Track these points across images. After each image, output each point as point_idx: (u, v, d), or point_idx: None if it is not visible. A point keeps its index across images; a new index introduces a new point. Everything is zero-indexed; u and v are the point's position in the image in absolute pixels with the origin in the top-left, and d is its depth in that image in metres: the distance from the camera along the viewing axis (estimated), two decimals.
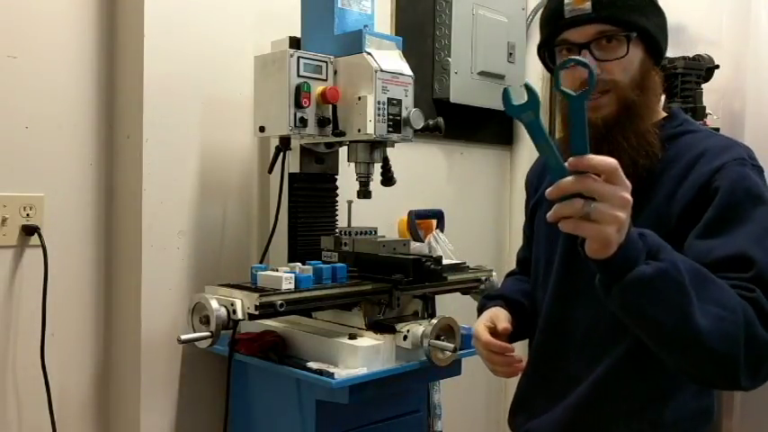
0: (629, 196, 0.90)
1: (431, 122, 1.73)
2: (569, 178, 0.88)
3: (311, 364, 1.52)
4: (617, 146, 1.19)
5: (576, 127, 0.88)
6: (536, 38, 2.76)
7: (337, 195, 1.89)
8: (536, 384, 1.36)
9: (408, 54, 1.74)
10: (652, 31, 1.21)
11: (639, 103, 1.20)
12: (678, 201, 1.17)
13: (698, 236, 1.12)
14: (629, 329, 1.08)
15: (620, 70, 1.19)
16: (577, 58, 1.06)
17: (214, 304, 1.49)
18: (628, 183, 0.90)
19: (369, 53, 1.64)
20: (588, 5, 1.17)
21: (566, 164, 0.89)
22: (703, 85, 2.49)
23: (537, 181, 1.47)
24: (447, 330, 1.61)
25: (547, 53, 1.28)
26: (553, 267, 1.33)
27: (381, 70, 1.62)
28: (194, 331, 1.52)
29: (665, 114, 1.28)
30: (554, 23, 1.23)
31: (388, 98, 1.63)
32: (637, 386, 1.21)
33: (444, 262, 1.71)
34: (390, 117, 1.64)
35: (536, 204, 1.45)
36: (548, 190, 0.90)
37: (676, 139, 1.24)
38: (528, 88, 0.90)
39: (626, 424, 1.23)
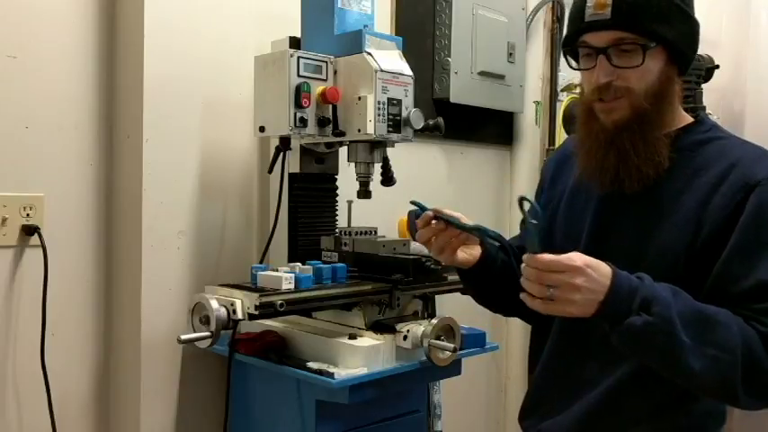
0: (578, 281, 1.06)
1: (431, 122, 1.73)
2: (531, 270, 1.08)
3: (311, 364, 1.52)
4: (623, 152, 1.20)
5: (530, 235, 1.10)
6: (536, 38, 2.79)
7: (337, 195, 1.89)
8: (550, 386, 1.36)
9: (408, 54, 1.74)
10: (675, 42, 1.19)
11: (652, 112, 1.20)
12: (713, 210, 1.17)
13: (726, 260, 1.15)
14: None
15: (636, 78, 1.19)
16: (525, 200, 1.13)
17: (214, 304, 1.49)
18: (579, 266, 1.06)
19: (369, 53, 1.63)
20: (608, 11, 1.17)
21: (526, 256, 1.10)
22: (703, 85, 2.49)
23: (551, 175, 1.45)
24: (447, 330, 1.61)
25: (570, 50, 1.29)
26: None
27: (381, 70, 1.62)
28: (194, 331, 1.52)
29: (690, 120, 1.28)
30: (576, 24, 1.23)
31: (388, 98, 1.63)
32: (653, 390, 1.21)
33: None
34: (390, 117, 1.64)
35: (550, 201, 1.42)
36: (523, 270, 1.09)
37: (705, 144, 1.24)
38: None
39: (641, 427, 1.23)
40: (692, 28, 1.23)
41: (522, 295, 1.11)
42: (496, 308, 1.50)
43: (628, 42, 1.17)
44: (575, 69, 1.29)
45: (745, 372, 1.08)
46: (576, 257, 1.07)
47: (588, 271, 1.07)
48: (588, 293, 1.07)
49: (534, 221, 1.08)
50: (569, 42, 1.26)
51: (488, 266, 1.36)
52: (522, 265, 1.10)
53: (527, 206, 1.11)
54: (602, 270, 1.08)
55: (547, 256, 1.07)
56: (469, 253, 1.34)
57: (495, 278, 1.38)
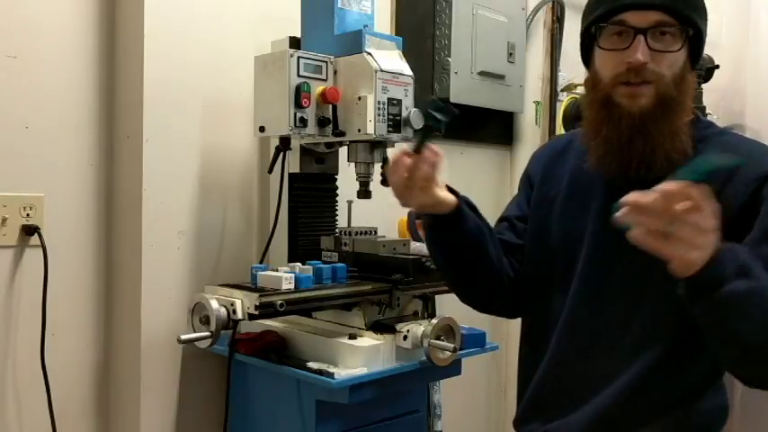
0: (707, 224, 0.95)
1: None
2: (659, 201, 0.93)
3: (311, 364, 1.52)
4: (651, 139, 1.19)
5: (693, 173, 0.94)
6: (536, 38, 2.79)
7: (337, 195, 1.89)
8: (555, 387, 1.32)
9: (408, 54, 1.74)
10: (703, 36, 1.22)
11: (677, 101, 1.19)
12: (729, 204, 1.14)
13: (749, 251, 1.12)
14: (665, 328, 1.17)
15: (668, 65, 1.18)
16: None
17: (214, 304, 1.49)
18: (714, 210, 0.96)
19: (369, 53, 1.63)
20: None
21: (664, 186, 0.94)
22: (703, 85, 2.49)
23: (542, 173, 1.42)
24: (447, 330, 1.61)
25: (587, 34, 1.25)
26: (576, 267, 1.28)
27: (381, 70, 1.62)
28: (194, 331, 1.53)
29: (691, 117, 1.27)
30: (615, 1, 1.20)
31: (388, 98, 1.63)
32: (670, 385, 1.20)
33: None
34: (390, 117, 1.64)
35: (543, 200, 1.39)
36: (633, 196, 0.94)
37: (707, 140, 1.24)
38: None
39: (656, 422, 1.22)
40: (707, 27, 1.25)
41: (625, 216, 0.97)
42: (467, 288, 1.41)
43: (670, 26, 1.17)
44: (602, 49, 1.23)
45: None
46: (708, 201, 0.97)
47: (714, 220, 0.97)
48: (708, 238, 0.97)
49: None
50: (604, 18, 1.21)
51: (464, 217, 1.30)
52: (637, 196, 0.96)
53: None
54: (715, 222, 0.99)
55: (691, 187, 0.94)
56: (444, 194, 1.29)
57: (469, 237, 1.31)
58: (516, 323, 1.51)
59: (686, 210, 0.94)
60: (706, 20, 1.24)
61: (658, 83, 1.18)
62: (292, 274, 1.55)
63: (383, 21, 2.20)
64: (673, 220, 0.94)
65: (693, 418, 1.22)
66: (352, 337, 1.58)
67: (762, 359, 1.08)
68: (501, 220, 1.49)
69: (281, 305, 1.47)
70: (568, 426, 1.28)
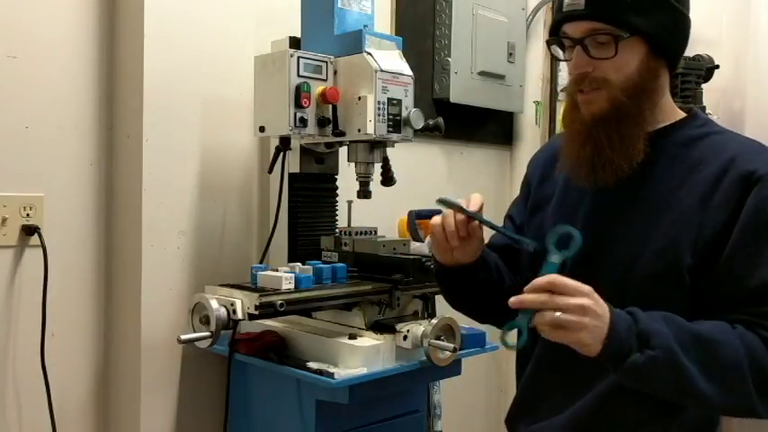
0: (587, 303, 1.03)
1: (431, 122, 1.73)
2: (533, 296, 1.04)
3: (311, 364, 1.52)
4: (598, 144, 1.18)
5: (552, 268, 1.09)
6: (536, 38, 2.79)
7: (337, 195, 1.89)
8: (543, 388, 1.31)
9: (408, 54, 1.74)
10: (653, 32, 1.17)
11: (631, 106, 1.18)
12: (715, 208, 1.14)
13: (727, 261, 1.13)
14: None
15: (614, 70, 1.17)
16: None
17: (214, 304, 1.49)
18: (589, 290, 1.05)
19: (369, 53, 1.64)
20: (582, 2, 1.16)
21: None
22: (703, 85, 2.49)
23: (540, 175, 1.41)
24: (447, 330, 1.61)
25: (556, 40, 1.27)
26: (564, 271, 1.26)
27: (381, 70, 1.62)
28: (194, 331, 1.53)
29: (683, 115, 1.26)
30: (556, 14, 1.23)
31: (388, 98, 1.63)
32: (643, 398, 1.16)
33: None
34: (390, 117, 1.64)
35: (540, 202, 1.39)
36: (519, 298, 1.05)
37: (700, 140, 1.22)
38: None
39: (636, 430, 1.21)
40: (675, 19, 1.20)
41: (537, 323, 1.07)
42: (474, 311, 1.44)
43: (602, 33, 1.16)
44: (559, 60, 1.28)
45: (756, 383, 1.07)
46: (585, 285, 1.05)
47: (595, 296, 1.05)
48: (595, 319, 1.04)
49: (557, 255, 1.04)
50: (553, 32, 1.25)
51: (487, 263, 1.33)
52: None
53: (553, 239, 1.09)
54: (602, 303, 1.06)
55: (557, 278, 1.04)
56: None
57: (488, 276, 1.34)
58: None
59: (564, 296, 1.03)
60: (663, 15, 1.18)
61: (607, 88, 1.18)
62: (292, 274, 1.55)
63: (383, 21, 2.20)
64: (557, 308, 1.03)
65: (679, 428, 1.20)
66: (352, 337, 1.58)
67: (694, 405, 1.14)
68: (507, 217, 1.49)
69: (281, 305, 1.47)
70: (550, 428, 1.27)
